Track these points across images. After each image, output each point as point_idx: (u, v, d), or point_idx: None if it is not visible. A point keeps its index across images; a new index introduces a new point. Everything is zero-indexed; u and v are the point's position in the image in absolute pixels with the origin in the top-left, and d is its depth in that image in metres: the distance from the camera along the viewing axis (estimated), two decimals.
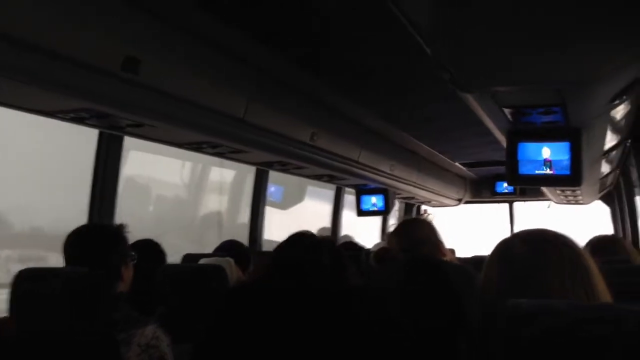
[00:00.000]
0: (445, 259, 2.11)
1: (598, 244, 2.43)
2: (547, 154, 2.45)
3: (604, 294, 0.98)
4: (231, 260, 2.48)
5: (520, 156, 2.51)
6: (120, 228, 1.96)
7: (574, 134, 2.40)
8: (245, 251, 3.43)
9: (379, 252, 2.06)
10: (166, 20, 2.13)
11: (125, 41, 1.98)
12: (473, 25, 1.65)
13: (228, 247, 3.40)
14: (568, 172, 2.43)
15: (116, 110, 2.21)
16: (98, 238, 1.88)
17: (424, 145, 5.24)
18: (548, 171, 2.48)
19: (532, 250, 0.99)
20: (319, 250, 1.16)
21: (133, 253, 1.96)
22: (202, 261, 2.48)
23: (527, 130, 2.43)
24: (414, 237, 2.08)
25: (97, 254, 1.82)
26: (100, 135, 2.85)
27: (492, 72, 1.76)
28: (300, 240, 1.20)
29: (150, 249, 2.67)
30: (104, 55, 1.93)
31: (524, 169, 2.51)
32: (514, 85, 1.83)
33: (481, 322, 1.01)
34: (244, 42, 2.52)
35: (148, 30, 2.06)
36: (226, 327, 1.05)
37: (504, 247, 1.05)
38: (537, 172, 2.49)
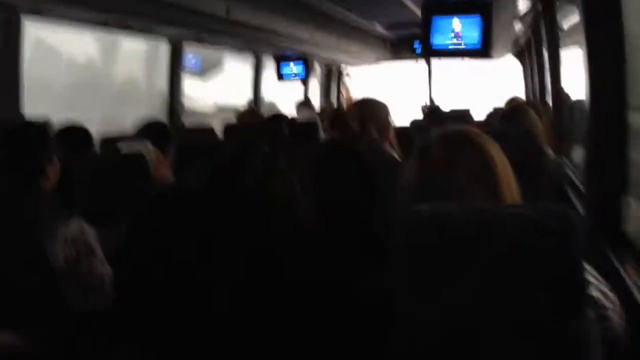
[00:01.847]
0: (387, 141, 2.32)
1: (507, 114, 2.65)
2: (458, 27, 2.49)
3: (512, 195, 1.06)
4: (148, 143, 2.46)
5: (433, 29, 2.55)
6: (47, 126, 1.90)
7: (484, 8, 2.44)
8: (164, 131, 3.40)
9: (335, 118, 2.20)
10: None
11: None
12: None
13: (147, 128, 3.35)
14: (479, 45, 2.51)
15: None
16: (25, 137, 1.82)
17: (343, 10, 5.14)
18: (460, 43, 2.54)
19: (447, 150, 1.06)
20: (247, 159, 1.19)
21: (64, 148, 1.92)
22: (121, 146, 2.44)
23: (440, 4, 2.45)
24: (370, 113, 2.32)
25: (23, 154, 1.78)
26: None
27: None
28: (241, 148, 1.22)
29: (75, 136, 2.58)
30: None
31: (438, 42, 2.56)
32: None
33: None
34: None
35: None
36: (145, 232, 1.09)
37: (422, 148, 1.10)
38: (449, 44, 2.55)
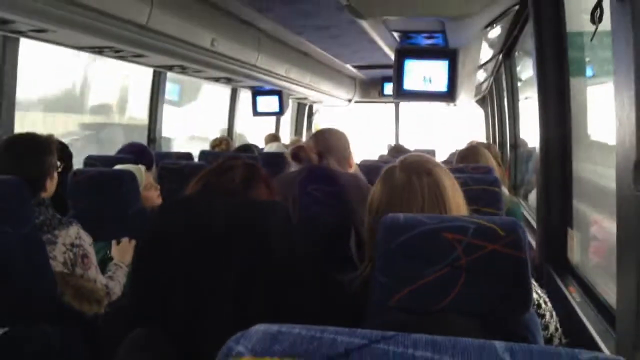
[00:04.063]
0: (350, 169, 2.34)
1: (464, 154, 2.90)
2: (429, 71, 2.75)
3: (458, 210, 1.28)
4: (142, 167, 2.62)
5: (405, 73, 2.79)
6: (50, 139, 2.03)
7: (452, 55, 2.70)
8: (148, 153, 3.56)
9: (295, 150, 2.26)
10: None
11: None
12: None
13: (131, 150, 3.51)
14: (446, 89, 2.76)
15: (20, 16, 2.21)
16: (29, 149, 1.95)
17: (318, 49, 5.42)
18: (429, 87, 2.79)
19: (405, 177, 1.28)
20: (231, 172, 1.37)
21: (59, 163, 2.06)
22: (118, 167, 2.60)
23: (412, 50, 2.70)
24: (329, 144, 2.28)
25: (26, 165, 1.91)
26: None
27: (383, 4, 1.98)
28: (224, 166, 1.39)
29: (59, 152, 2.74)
30: None
31: (408, 85, 2.80)
32: (402, 16, 2.07)
33: (367, 230, 1.30)
34: None
35: None
36: (156, 244, 1.25)
37: (387, 172, 1.32)
38: (420, 88, 2.79)
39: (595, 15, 1.03)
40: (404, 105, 8.91)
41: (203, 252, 1.22)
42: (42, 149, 1.98)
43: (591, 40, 1.09)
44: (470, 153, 2.96)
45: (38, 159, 1.95)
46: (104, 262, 2.27)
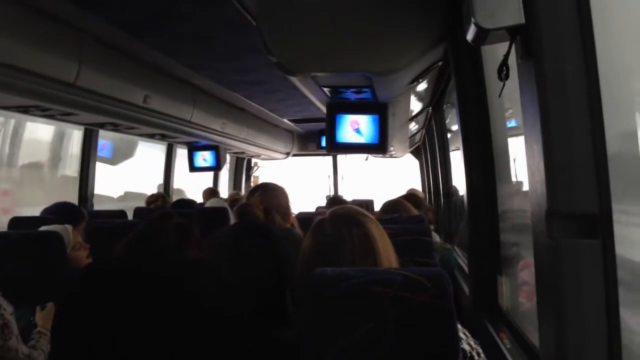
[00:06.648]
0: (289, 223, 2.40)
1: (387, 207, 3.04)
2: (359, 125, 2.81)
3: (389, 260, 1.29)
4: (69, 227, 2.54)
5: (337, 126, 2.85)
6: None
7: (381, 108, 2.78)
8: (75, 211, 3.44)
9: (241, 208, 2.26)
10: None
11: None
12: (294, 19, 1.93)
13: (56, 209, 3.38)
14: (377, 141, 2.82)
15: None
16: None
17: (254, 104, 5.47)
18: (360, 140, 2.85)
19: (334, 230, 1.28)
20: (164, 229, 1.34)
21: None
22: (43, 229, 2.50)
23: (343, 104, 2.77)
24: (275, 202, 2.38)
25: None
26: None
27: (310, 61, 2.03)
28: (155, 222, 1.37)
29: None
30: None
31: (341, 138, 2.85)
32: (329, 72, 2.12)
33: (298, 283, 1.29)
34: (68, 8, 2.51)
35: None
36: (77, 308, 1.20)
37: (317, 225, 1.33)
38: (351, 140, 2.84)
39: (502, 73, 1.09)
40: (344, 156, 9.04)
41: (129, 314, 1.18)
42: None
43: (499, 96, 1.15)
44: (392, 206, 3.09)
45: None
46: (28, 329, 2.15)
